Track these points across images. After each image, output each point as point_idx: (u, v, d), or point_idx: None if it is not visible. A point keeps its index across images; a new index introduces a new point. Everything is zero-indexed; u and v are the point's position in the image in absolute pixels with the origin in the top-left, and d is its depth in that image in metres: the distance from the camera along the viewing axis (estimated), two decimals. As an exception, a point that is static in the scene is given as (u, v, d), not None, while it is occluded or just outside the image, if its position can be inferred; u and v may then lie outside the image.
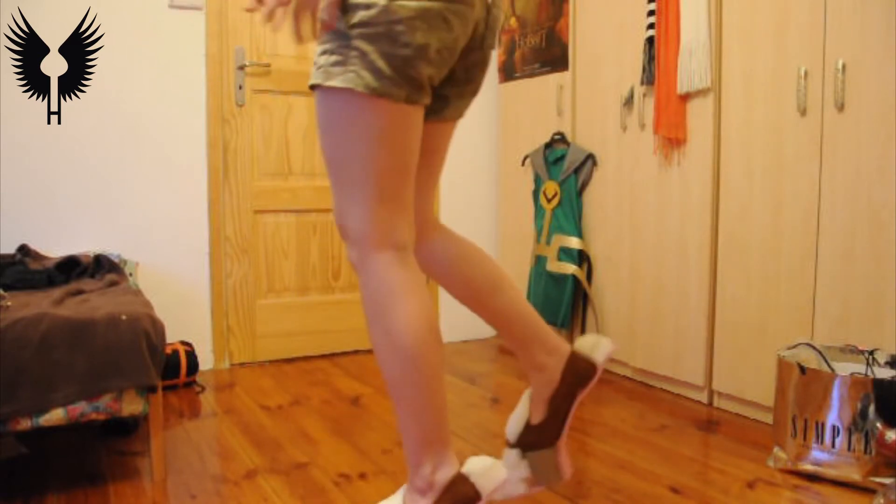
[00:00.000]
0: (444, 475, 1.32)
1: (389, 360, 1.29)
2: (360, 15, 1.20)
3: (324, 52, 1.26)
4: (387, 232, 1.29)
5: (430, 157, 1.48)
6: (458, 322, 3.54)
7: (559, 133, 3.11)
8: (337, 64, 1.23)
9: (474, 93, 1.46)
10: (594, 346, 1.56)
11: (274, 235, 3.12)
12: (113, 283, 2.22)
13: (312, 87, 1.28)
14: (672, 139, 2.58)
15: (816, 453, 1.89)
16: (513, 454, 1.55)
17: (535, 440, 1.54)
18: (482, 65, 1.42)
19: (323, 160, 1.54)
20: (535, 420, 1.54)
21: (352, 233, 1.30)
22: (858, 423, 1.81)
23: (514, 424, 1.57)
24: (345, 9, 1.22)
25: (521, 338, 1.57)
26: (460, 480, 1.32)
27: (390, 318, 1.27)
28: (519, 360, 1.59)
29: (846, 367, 1.96)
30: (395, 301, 1.27)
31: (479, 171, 3.55)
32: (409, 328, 1.27)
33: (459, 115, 1.47)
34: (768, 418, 2.27)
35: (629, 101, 2.78)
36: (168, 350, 2.72)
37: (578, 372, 1.54)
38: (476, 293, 1.57)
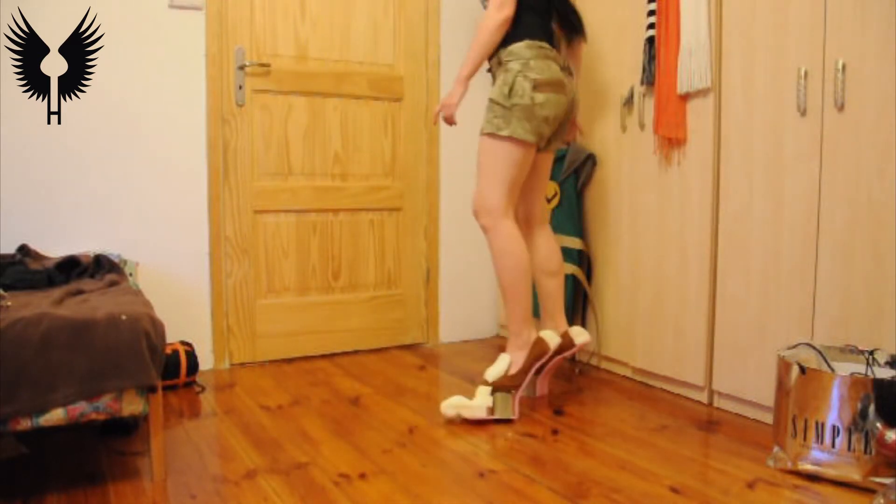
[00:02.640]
0: (532, 336, 2.47)
1: (510, 274, 2.41)
2: (516, 100, 2.35)
3: (495, 117, 2.38)
4: (508, 209, 2.43)
5: (539, 173, 2.61)
6: (459, 322, 3.54)
7: (559, 133, 3.11)
8: (504, 122, 2.37)
9: (562, 139, 2.61)
10: (579, 333, 2.59)
11: (274, 235, 3.12)
12: (113, 283, 2.22)
13: (487, 134, 2.40)
14: (672, 139, 2.58)
15: (816, 453, 1.89)
16: (485, 390, 2.39)
17: (506, 384, 2.41)
18: (568, 126, 2.60)
19: (476, 165, 2.47)
20: (513, 371, 2.43)
21: (490, 208, 2.41)
22: (858, 423, 1.81)
23: (493, 372, 2.41)
24: (510, 94, 2.35)
25: (547, 309, 2.65)
26: (539, 339, 2.48)
27: (511, 252, 2.40)
28: (540, 322, 2.69)
29: (846, 367, 1.96)
30: (513, 244, 2.41)
31: (479, 171, 3.55)
32: (521, 257, 2.41)
33: (554, 150, 2.61)
34: (768, 418, 2.27)
35: (629, 101, 2.78)
36: (168, 350, 2.72)
37: (563, 344, 2.55)
38: (539, 268, 2.62)
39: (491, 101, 2.39)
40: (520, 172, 2.42)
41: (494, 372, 2.40)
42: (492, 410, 2.36)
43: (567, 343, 2.56)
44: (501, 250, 2.40)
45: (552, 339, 2.50)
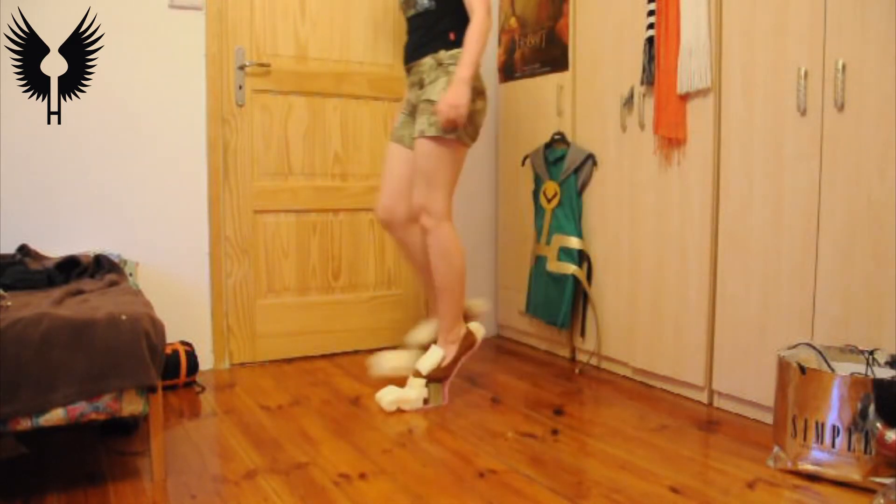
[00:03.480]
0: (463, 331, 2.60)
1: (450, 274, 2.51)
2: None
3: (433, 121, 2.43)
4: (450, 211, 2.53)
5: None
6: (458, 322, 3.54)
7: (559, 133, 3.11)
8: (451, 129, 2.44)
9: None
10: (478, 329, 2.65)
11: (274, 235, 3.12)
12: (113, 283, 2.22)
13: (431, 137, 2.43)
14: (672, 139, 2.58)
15: (816, 453, 1.89)
16: (420, 382, 2.52)
17: (439, 375, 2.55)
18: None
19: (417, 167, 2.50)
20: (444, 363, 2.57)
21: (434, 210, 2.48)
22: (858, 423, 1.81)
23: (428, 364, 2.54)
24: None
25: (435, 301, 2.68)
26: (469, 332, 2.61)
27: (452, 253, 2.51)
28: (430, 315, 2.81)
29: (846, 367, 1.96)
30: (454, 245, 2.51)
31: (479, 170, 3.55)
32: (460, 258, 2.52)
33: None
34: (768, 418, 2.27)
35: (629, 102, 2.78)
36: (168, 350, 2.72)
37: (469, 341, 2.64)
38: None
39: (432, 102, 2.40)
40: (459, 175, 2.55)
41: (428, 364, 2.53)
42: (426, 400, 2.52)
43: (471, 341, 2.69)
44: (444, 251, 2.49)
45: (479, 330, 2.64)
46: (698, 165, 2.50)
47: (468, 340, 2.60)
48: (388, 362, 2.73)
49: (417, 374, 2.52)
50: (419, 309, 3.43)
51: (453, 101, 2.36)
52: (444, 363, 2.55)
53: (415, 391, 2.50)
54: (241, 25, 3.00)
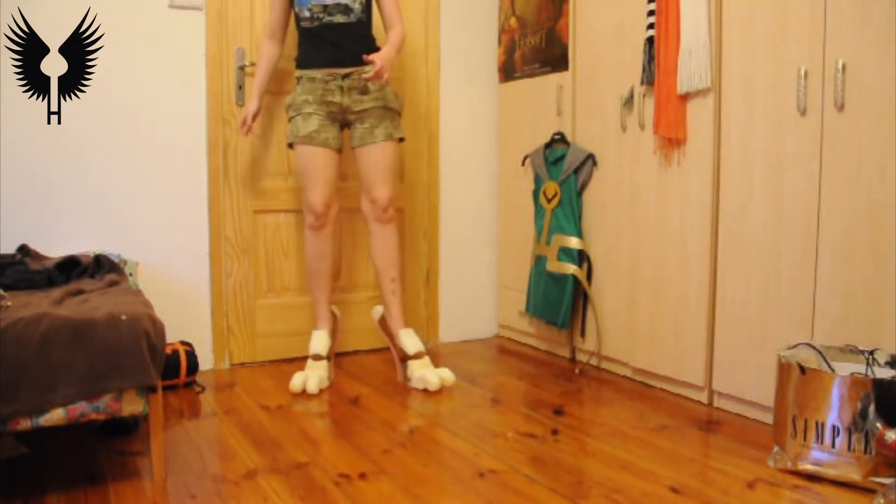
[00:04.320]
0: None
1: (401, 261, 2.87)
2: (400, 110, 2.85)
3: (397, 124, 2.79)
4: None
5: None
6: (458, 322, 3.54)
7: (559, 133, 3.11)
8: (401, 128, 2.82)
9: None
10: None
11: (274, 235, 3.12)
12: (113, 283, 2.22)
13: (398, 139, 2.80)
14: (672, 139, 2.58)
15: (816, 453, 1.89)
16: (427, 361, 2.79)
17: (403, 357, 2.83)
18: None
19: (384, 167, 2.76)
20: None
21: (395, 204, 2.78)
22: (858, 423, 1.81)
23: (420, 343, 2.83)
24: (400, 105, 2.85)
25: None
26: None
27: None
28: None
29: (846, 367, 1.96)
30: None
31: (479, 171, 3.55)
32: None
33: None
34: (768, 418, 2.27)
35: (629, 101, 2.78)
36: (168, 350, 2.72)
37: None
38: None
39: (390, 109, 2.75)
40: None
41: (419, 343, 2.82)
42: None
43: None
44: (398, 239, 2.85)
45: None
46: (698, 165, 2.50)
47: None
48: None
49: (424, 355, 2.78)
50: (418, 309, 3.44)
51: (389, 63, 2.58)
52: None
53: (432, 368, 2.77)
54: (241, 25, 3.00)
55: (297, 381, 2.70)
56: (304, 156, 2.73)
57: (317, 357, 2.79)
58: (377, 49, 2.70)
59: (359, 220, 3.27)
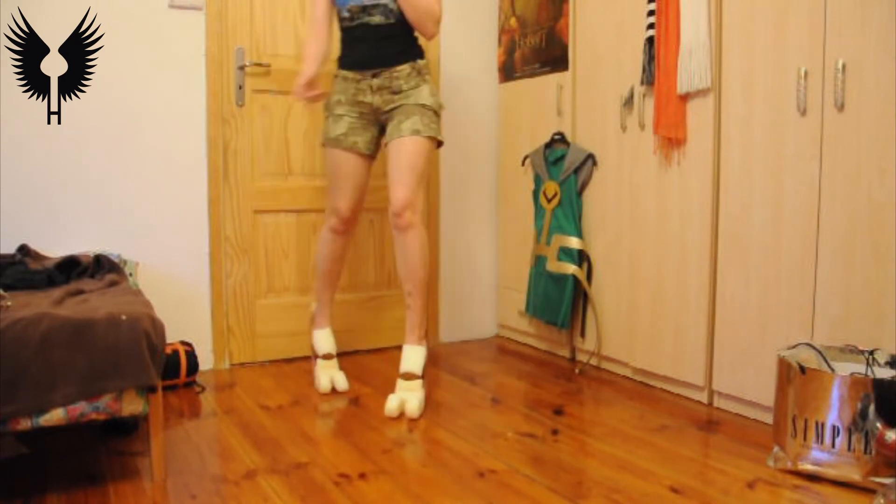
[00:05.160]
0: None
1: (426, 270, 2.56)
2: (439, 110, 2.63)
3: (433, 122, 2.56)
4: None
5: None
6: (459, 322, 3.55)
7: (559, 133, 3.11)
8: (439, 128, 2.60)
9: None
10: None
11: (274, 235, 3.12)
12: (113, 283, 2.22)
13: (429, 137, 2.55)
14: (672, 139, 2.58)
15: (816, 453, 1.89)
16: (419, 383, 2.55)
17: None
18: None
19: (409, 165, 2.51)
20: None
21: (417, 206, 2.53)
22: (858, 423, 1.81)
23: (422, 364, 2.58)
24: (439, 104, 2.62)
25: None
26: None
27: (426, 250, 2.56)
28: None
29: (846, 367, 1.96)
30: (427, 242, 2.57)
31: (479, 170, 3.55)
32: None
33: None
34: (768, 418, 2.27)
35: (629, 101, 2.78)
36: (168, 350, 2.72)
37: None
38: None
39: (425, 107, 2.54)
40: None
41: (422, 363, 2.56)
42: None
43: None
44: (424, 245, 2.54)
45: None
46: (698, 165, 2.50)
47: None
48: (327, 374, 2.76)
49: (415, 377, 2.52)
50: (419, 309, 3.43)
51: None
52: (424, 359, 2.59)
53: (420, 393, 2.50)
54: (241, 25, 3.00)
55: (324, 381, 2.70)
56: (332, 159, 2.66)
57: (328, 356, 2.78)
58: (416, 50, 2.60)
59: (359, 220, 3.27)
